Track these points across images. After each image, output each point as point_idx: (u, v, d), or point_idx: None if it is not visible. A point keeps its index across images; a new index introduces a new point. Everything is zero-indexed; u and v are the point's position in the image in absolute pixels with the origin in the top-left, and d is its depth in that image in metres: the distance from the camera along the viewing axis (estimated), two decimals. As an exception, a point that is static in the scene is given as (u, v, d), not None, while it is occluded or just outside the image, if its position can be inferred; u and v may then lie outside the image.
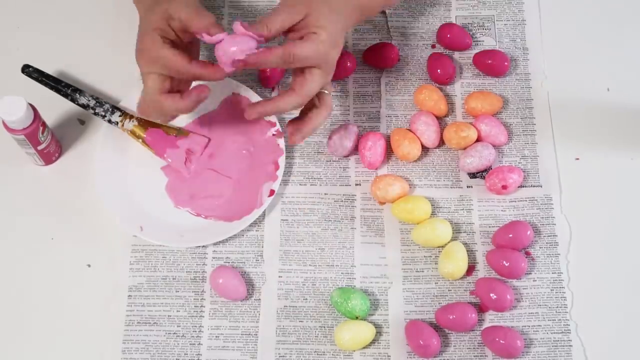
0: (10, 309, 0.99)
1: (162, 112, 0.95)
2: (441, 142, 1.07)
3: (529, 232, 1.00)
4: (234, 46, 0.91)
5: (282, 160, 1.04)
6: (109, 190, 1.03)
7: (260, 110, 0.95)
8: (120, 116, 1.06)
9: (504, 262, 0.99)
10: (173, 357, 0.97)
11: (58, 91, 1.06)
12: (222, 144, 1.07)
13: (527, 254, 1.01)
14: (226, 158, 1.06)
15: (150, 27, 0.92)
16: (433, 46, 1.13)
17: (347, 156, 1.07)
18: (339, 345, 0.96)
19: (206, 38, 0.92)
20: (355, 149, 1.07)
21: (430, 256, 1.02)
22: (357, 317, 0.97)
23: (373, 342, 0.97)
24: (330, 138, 1.06)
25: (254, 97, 1.07)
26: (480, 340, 0.97)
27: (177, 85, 0.95)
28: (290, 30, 0.93)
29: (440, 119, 1.09)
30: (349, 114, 1.09)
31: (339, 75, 1.09)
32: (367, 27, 1.14)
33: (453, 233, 1.02)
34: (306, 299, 1.00)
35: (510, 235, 1.00)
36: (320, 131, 1.08)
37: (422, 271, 1.01)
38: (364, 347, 0.97)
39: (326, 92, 0.97)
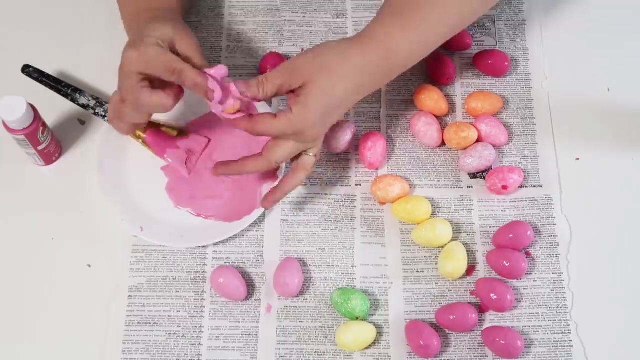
0: (10, 309, 0.99)
1: (139, 107, 0.92)
2: (442, 142, 1.07)
3: (529, 233, 1.00)
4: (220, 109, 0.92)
5: (282, 161, 1.04)
6: (109, 191, 1.03)
7: (225, 170, 0.99)
8: (120, 116, 1.06)
9: (504, 262, 0.99)
10: (173, 358, 0.97)
11: (58, 91, 1.06)
12: (222, 144, 1.07)
13: (528, 254, 1.01)
14: (226, 158, 1.06)
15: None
16: (433, 46, 1.14)
17: (345, 151, 1.07)
18: (340, 346, 0.96)
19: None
20: (353, 145, 1.07)
21: (431, 256, 1.02)
22: (357, 318, 0.97)
23: (374, 342, 0.97)
24: (325, 135, 1.05)
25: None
26: (480, 340, 0.97)
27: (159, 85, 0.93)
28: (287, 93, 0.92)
29: (440, 119, 1.09)
30: (349, 114, 1.09)
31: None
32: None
33: (453, 233, 1.02)
34: (306, 299, 1.00)
35: (511, 236, 1.00)
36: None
37: (423, 271, 1.01)
38: (364, 348, 0.97)
39: (309, 155, 0.97)
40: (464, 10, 0.96)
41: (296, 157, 0.97)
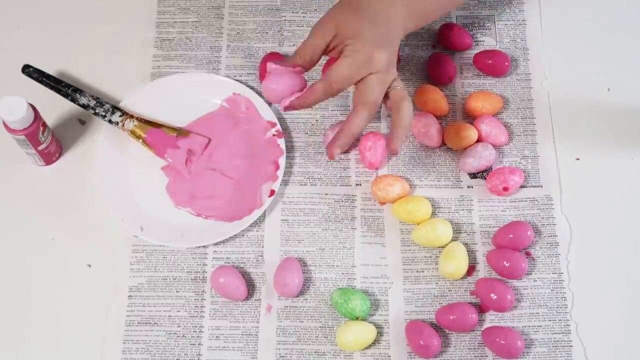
0: (10, 309, 0.99)
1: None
2: (442, 142, 1.07)
3: (529, 233, 1.00)
4: (275, 84, 0.95)
5: (282, 160, 1.04)
6: (109, 191, 1.03)
7: (338, 143, 0.97)
8: (120, 116, 1.06)
9: (505, 262, 0.99)
10: (173, 357, 0.97)
11: (58, 91, 1.06)
12: (222, 144, 1.07)
13: (528, 254, 1.01)
14: (226, 158, 1.06)
15: None
16: (433, 46, 1.14)
17: (345, 151, 1.07)
18: (340, 346, 0.96)
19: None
20: (353, 145, 1.07)
21: (431, 256, 1.02)
22: (357, 318, 0.97)
23: (374, 342, 0.97)
24: (325, 135, 1.06)
25: (255, 97, 1.07)
26: (480, 340, 0.97)
27: None
28: (328, 50, 0.93)
29: (440, 119, 1.09)
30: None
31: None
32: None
33: (453, 233, 1.02)
34: (306, 299, 1.00)
35: (511, 236, 1.00)
36: (319, 131, 1.08)
37: (423, 271, 1.01)
38: (364, 348, 0.97)
39: (397, 88, 0.96)
40: None
41: (387, 97, 0.96)
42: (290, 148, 1.07)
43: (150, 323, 0.99)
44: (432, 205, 1.03)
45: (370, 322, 0.98)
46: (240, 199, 1.04)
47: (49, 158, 1.05)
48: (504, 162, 1.06)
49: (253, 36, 1.14)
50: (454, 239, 1.02)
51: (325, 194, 1.05)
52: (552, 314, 0.99)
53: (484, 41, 1.14)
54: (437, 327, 0.98)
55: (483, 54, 1.11)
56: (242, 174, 1.05)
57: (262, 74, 1.09)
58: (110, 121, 1.06)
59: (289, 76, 0.96)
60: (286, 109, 0.97)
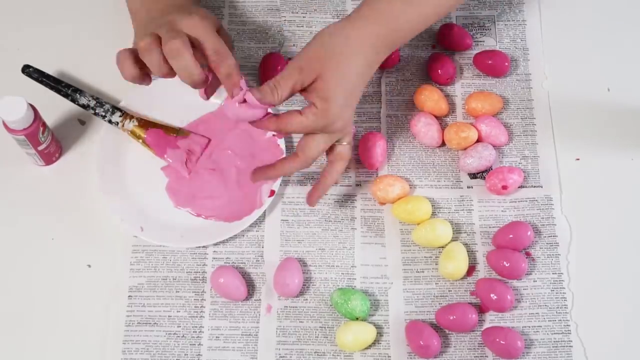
0: (10, 309, 0.99)
1: (178, 62, 0.88)
2: (442, 143, 1.07)
3: (529, 233, 1.00)
4: (238, 113, 0.91)
5: (282, 161, 1.04)
6: (109, 191, 1.03)
7: (265, 175, 0.97)
8: (120, 116, 1.06)
9: (505, 262, 0.99)
10: (173, 358, 0.97)
11: (58, 91, 1.06)
12: (222, 144, 1.07)
13: (528, 254, 1.01)
14: (226, 158, 1.06)
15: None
16: (433, 46, 1.14)
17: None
18: (340, 346, 0.96)
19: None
20: (353, 145, 1.06)
21: (431, 257, 1.02)
22: (357, 318, 0.97)
23: (374, 342, 0.97)
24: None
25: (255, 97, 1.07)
26: (480, 340, 0.97)
27: None
28: (302, 90, 0.92)
29: (440, 119, 1.09)
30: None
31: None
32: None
33: (453, 233, 1.02)
34: (306, 300, 1.00)
35: (511, 236, 1.00)
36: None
37: (423, 271, 1.01)
38: (364, 348, 0.97)
39: (342, 144, 0.97)
40: None
41: (330, 149, 0.97)
42: (290, 148, 1.07)
43: (150, 323, 0.99)
44: (432, 206, 1.03)
45: (370, 323, 0.98)
46: (240, 199, 1.04)
47: (49, 158, 1.05)
48: (504, 162, 1.06)
49: (253, 36, 1.14)
50: (453, 239, 1.02)
51: (325, 194, 1.05)
52: (552, 314, 0.99)
53: (483, 41, 1.14)
54: (437, 328, 0.98)
55: (483, 54, 1.11)
56: (242, 174, 1.05)
57: (262, 74, 1.09)
58: (110, 121, 1.06)
59: (257, 112, 0.91)
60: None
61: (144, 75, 0.92)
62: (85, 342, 0.98)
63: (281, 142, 1.05)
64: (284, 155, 1.04)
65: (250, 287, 1.00)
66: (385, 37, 0.94)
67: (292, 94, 0.91)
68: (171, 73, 0.89)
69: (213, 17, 0.93)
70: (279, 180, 1.03)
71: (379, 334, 0.98)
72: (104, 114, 1.06)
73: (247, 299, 1.00)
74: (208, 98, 0.96)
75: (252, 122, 0.92)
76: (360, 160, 1.06)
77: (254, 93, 0.89)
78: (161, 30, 0.89)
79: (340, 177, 1.02)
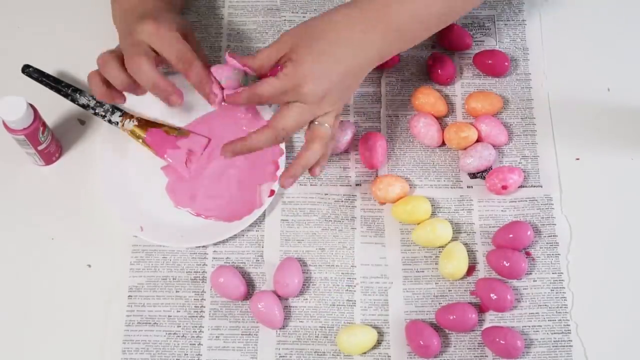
0: (10, 309, 0.99)
1: (138, 74, 0.92)
2: (442, 143, 1.07)
3: (529, 232, 1.00)
4: (220, 76, 0.94)
5: (282, 160, 1.04)
6: (109, 191, 1.03)
7: (233, 149, 0.94)
8: (120, 116, 1.06)
9: (504, 262, 0.99)
10: (173, 357, 0.97)
11: (58, 91, 1.06)
12: (222, 144, 1.07)
13: (528, 254, 1.01)
14: (226, 158, 1.06)
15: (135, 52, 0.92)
16: (433, 46, 1.14)
17: (345, 151, 1.07)
18: (341, 349, 0.96)
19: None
20: (353, 145, 1.07)
21: (431, 256, 1.02)
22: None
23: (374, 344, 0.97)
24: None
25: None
26: (480, 340, 0.97)
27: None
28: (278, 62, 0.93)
29: (440, 119, 1.09)
30: (349, 114, 1.09)
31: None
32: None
33: (453, 233, 1.02)
34: (306, 299, 1.00)
35: (511, 236, 1.00)
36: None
37: (423, 271, 1.01)
38: (365, 352, 0.97)
39: (317, 123, 0.94)
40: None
41: (309, 129, 0.95)
42: (290, 148, 1.07)
43: (150, 323, 0.99)
44: (432, 205, 1.03)
45: (370, 324, 0.98)
46: (240, 199, 1.04)
47: (48, 158, 1.05)
48: (503, 162, 1.06)
49: (253, 36, 1.14)
50: (453, 239, 1.02)
51: (325, 194, 1.05)
52: (552, 314, 0.99)
53: (483, 41, 1.14)
54: (437, 327, 0.98)
55: (483, 54, 1.11)
56: (242, 174, 1.05)
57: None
58: (110, 121, 1.06)
59: (232, 73, 0.95)
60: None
61: (114, 92, 0.95)
62: (85, 342, 0.98)
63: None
64: (284, 156, 1.05)
65: (250, 287, 1.00)
66: (373, 20, 0.92)
67: (270, 63, 0.92)
68: (138, 87, 0.92)
69: (179, 21, 0.94)
70: (279, 180, 1.03)
71: (379, 334, 0.98)
72: (103, 113, 1.06)
73: (247, 298, 1.00)
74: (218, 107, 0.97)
75: (226, 98, 0.94)
76: (360, 160, 1.06)
77: (235, 58, 0.92)
78: (125, 43, 0.90)
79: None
